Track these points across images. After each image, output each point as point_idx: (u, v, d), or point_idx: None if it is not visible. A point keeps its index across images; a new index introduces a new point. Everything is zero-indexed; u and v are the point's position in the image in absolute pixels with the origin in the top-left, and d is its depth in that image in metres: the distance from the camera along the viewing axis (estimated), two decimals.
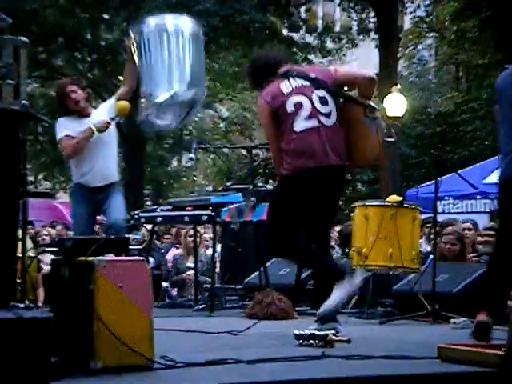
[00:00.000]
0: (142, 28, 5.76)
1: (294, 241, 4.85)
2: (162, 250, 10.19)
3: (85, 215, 6.40)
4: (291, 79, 4.84)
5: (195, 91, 5.76)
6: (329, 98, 4.81)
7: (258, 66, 5.01)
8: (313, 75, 4.86)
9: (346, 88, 4.94)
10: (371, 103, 4.92)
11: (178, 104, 5.71)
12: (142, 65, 5.71)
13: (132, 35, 5.79)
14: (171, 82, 5.64)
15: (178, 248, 9.73)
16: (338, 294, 4.68)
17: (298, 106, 4.75)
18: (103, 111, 6.48)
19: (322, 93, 4.79)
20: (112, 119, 6.35)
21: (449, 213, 11.61)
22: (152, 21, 5.82)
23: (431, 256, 6.99)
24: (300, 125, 4.74)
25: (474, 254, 7.16)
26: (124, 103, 6.28)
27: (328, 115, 4.78)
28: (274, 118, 4.82)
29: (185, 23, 5.86)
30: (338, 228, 10.18)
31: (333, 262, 5.03)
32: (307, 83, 4.81)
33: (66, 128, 6.36)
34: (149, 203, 24.03)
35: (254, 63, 5.09)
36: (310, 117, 4.74)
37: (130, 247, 5.84)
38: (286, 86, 4.82)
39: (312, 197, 4.80)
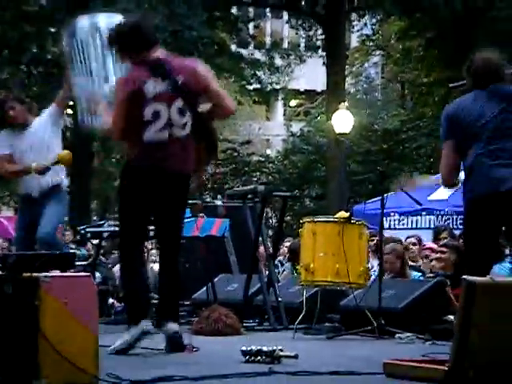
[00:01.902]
0: (74, 28, 5.69)
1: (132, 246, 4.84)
2: (110, 265, 10.09)
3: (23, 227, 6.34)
4: (157, 79, 4.58)
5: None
6: (187, 112, 4.64)
7: (130, 33, 4.66)
8: (181, 79, 4.62)
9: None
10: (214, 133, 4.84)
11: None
12: (77, 64, 5.64)
13: (65, 38, 5.71)
14: (108, 78, 5.59)
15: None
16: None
17: (156, 115, 4.59)
18: (44, 119, 6.45)
19: (182, 103, 4.61)
20: (52, 165, 6.31)
21: (394, 229, 11.74)
22: (85, 20, 5.76)
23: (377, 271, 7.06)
24: (151, 135, 4.61)
25: (431, 275, 7.27)
26: (66, 153, 6.32)
27: (182, 126, 4.66)
28: (128, 107, 4.59)
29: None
30: (287, 243, 10.25)
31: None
32: (170, 90, 4.58)
33: (2, 145, 6.39)
34: (95, 218, 23.79)
35: (127, 27, 4.73)
36: (163, 128, 4.61)
37: (76, 263, 5.78)
38: (151, 87, 4.57)
39: (149, 200, 4.75)
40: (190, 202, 8.47)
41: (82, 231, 7.53)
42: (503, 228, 4.61)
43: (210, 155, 4.92)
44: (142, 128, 4.61)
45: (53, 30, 18.29)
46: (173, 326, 4.92)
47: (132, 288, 4.91)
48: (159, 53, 4.72)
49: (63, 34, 5.87)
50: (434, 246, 8.11)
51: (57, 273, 3.64)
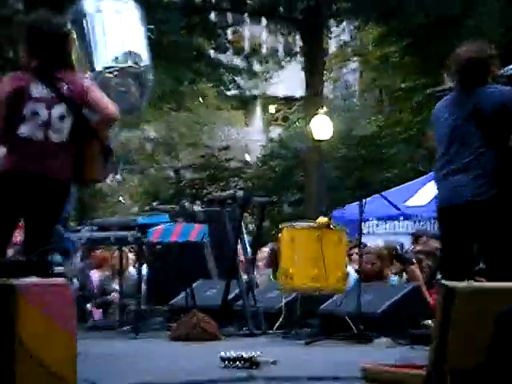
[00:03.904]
0: (79, 9, 5.72)
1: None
2: (86, 271, 10.03)
3: None
4: (43, 83, 4.55)
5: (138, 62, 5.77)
6: (68, 118, 4.60)
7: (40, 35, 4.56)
8: (64, 87, 4.59)
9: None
10: (110, 146, 4.77)
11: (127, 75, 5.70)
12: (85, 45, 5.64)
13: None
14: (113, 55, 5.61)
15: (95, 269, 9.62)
16: None
17: (34, 114, 4.53)
18: None
19: (63, 109, 4.58)
20: None
21: (373, 233, 11.79)
22: (89, 3, 5.78)
23: (355, 276, 7.09)
24: (26, 130, 4.53)
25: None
26: None
27: (59, 131, 4.61)
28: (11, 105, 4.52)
29: (124, 5, 5.88)
30: (266, 249, 10.24)
31: None
32: (52, 95, 4.56)
33: None
34: (72, 223, 23.66)
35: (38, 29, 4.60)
36: (39, 126, 4.55)
37: (53, 268, 5.74)
38: (34, 89, 4.53)
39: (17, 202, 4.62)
40: (168, 206, 8.48)
41: None
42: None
43: (107, 160, 4.76)
44: (18, 124, 4.53)
45: None
46: None
47: None
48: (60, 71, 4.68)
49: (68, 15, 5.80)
50: None
51: (33, 279, 3.61)
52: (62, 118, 4.58)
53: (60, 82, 4.60)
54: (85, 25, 5.68)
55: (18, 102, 4.52)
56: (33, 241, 4.69)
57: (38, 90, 4.54)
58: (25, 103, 4.52)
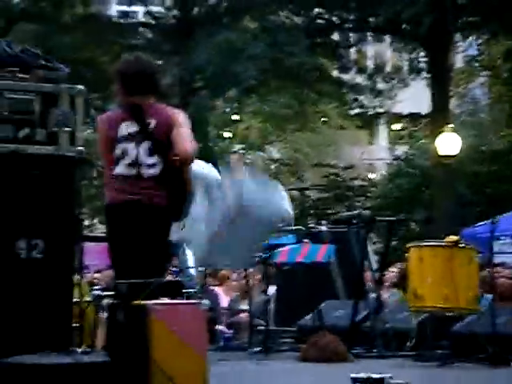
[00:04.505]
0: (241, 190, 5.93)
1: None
2: (214, 292, 10.18)
3: None
4: (131, 121, 4.65)
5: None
6: (157, 152, 4.63)
7: (132, 76, 4.67)
8: (153, 122, 4.65)
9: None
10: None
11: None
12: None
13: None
14: None
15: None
16: None
17: (125, 152, 4.60)
18: None
19: (149, 144, 4.62)
20: None
21: (505, 253, 11.38)
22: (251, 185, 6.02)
23: (489, 296, 6.86)
24: (120, 169, 4.59)
25: None
26: None
27: (151, 166, 4.63)
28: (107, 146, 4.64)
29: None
30: (394, 269, 10.07)
31: None
32: (139, 132, 4.64)
33: None
34: None
35: (131, 70, 4.73)
36: (131, 165, 4.60)
37: (184, 290, 5.87)
38: (123, 128, 4.64)
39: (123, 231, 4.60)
40: (294, 227, 8.50)
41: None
42: None
43: (175, 208, 4.73)
44: (113, 165, 4.62)
45: (159, 62, 18.83)
46: None
47: None
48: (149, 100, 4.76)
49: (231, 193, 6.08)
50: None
51: (166, 300, 3.70)
52: (150, 153, 4.64)
53: (147, 115, 4.66)
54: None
55: (109, 142, 4.63)
56: (139, 265, 4.78)
57: (126, 128, 4.64)
58: (115, 145, 4.62)
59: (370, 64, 24.05)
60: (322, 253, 7.21)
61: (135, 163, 4.65)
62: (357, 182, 23.43)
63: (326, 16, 18.15)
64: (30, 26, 17.18)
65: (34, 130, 3.72)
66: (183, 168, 4.68)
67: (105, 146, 4.63)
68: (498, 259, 8.23)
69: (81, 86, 3.73)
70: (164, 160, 4.67)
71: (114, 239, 4.59)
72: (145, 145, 4.72)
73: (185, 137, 4.67)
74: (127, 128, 4.67)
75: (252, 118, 27.10)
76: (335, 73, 20.32)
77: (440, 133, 15.97)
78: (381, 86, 20.64)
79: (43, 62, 3.83)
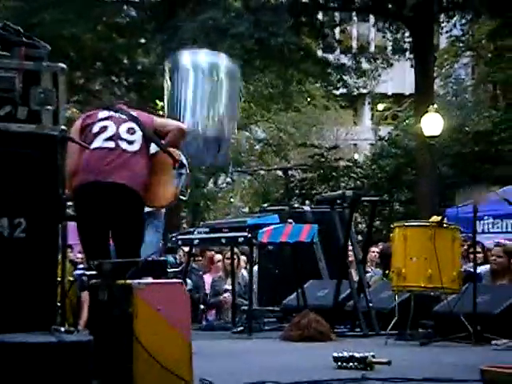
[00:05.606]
0: (177, 62, 5.90)
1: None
2: (200, 272, 10.20)
3: None
4: (110, 111, 4.95)
5: (221, 129, 5.90)
6: (138, 132, 4.85)
7: None
8: (134, 114, 4.95)
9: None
10: (182, 159, 5.01)
11: (203, 139, 5.86)
12: (174, 96, 5.85)
13: (167, 71, 5.96)
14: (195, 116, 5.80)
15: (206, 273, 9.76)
16: None
17: (103, 128, 4.84)
18: None
19: (132, 125, 4.86)
20: None
21: (488, 232, 11.45)
22: (187, 56, 5.95)
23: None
24: (98, 143, 4.80)
25: None
26: None
27: (131, 143, 4.81)
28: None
29: (220, 61, 5.99)
30: (376, 249, 10.12)
31: None
32: (124, 116, 4.91)
33: None
34: (185, 226, 24.12)
35: None
36: (109, 138, 4.81)
37: (168, 270, 5.85)
38: (101, 114, 4.93)
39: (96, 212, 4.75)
40: (278, 207, 8.50)
41: (173, 239, 7.63)
42: None
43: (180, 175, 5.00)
44: (91, 142, 4.78)
45: (143, 40, 18.69)
46: None
47: None
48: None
49: (166, 67, 6.06)
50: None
51: (150, 280, 3.70)
52: (130, 131, 4.83)
53: (129, 109, 5.00)
54: (176, 76, 5.89)
55: (87, 131, 4.85)
56: (119, 248, 4.83)
57: (104, 113, 4.90)
58: (93, 126, 4.84)
59: (354, 44, 24.02)
60: (306, 233, 7.22)
61: (113, 137, 4.75)
62: (341, 163, 23.45)
63: None
64: (11, 2, 17.00)
65: (15, 108, 3.68)
66: (179, 141, 4.92)
67: (77, 135, 4.77)
68: (480, 239, 8.28)
69: (63, 64, 3.69)
70: (145, 141, 4.79)
71: (85, 220, 4.69)
72: (127, 124, 4.79)
73: (169, 120, 5.08)
74: (108, 113, 4.92)
75: None
76: (320, 53, 20.27)
77: (424, 113, 16.00)
78: (365, 65, 20.62)
79: (24, 40, 3.78)
